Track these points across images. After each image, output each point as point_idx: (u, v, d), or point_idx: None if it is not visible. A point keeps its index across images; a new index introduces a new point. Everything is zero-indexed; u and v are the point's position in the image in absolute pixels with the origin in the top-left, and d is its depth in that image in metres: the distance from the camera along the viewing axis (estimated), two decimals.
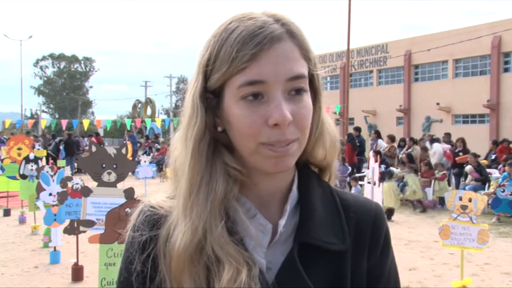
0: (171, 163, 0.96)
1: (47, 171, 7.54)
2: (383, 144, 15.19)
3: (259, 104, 0.85)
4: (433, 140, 14.98)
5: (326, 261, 0.78)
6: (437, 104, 31.45)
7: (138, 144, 23.07)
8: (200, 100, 0.89)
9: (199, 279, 0.84)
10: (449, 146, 14.49)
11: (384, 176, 12.36)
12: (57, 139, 21.96)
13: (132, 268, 0.90)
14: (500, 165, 12.38)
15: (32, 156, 9.41)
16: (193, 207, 0.86)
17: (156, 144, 22.38)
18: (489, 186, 11.62)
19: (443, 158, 13.65)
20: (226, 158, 0.90)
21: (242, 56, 0.84)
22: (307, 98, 0.88)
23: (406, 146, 14.73)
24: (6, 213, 10.73)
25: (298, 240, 0.91)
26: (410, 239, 8.46)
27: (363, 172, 13.55)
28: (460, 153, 13.61)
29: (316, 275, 0.87)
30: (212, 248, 0.84)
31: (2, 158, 11.91)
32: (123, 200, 4.33)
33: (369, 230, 0.97)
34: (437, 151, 13.78)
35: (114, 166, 5.22)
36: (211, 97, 0.90)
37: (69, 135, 21.57)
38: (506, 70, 29.21)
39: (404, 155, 13.55)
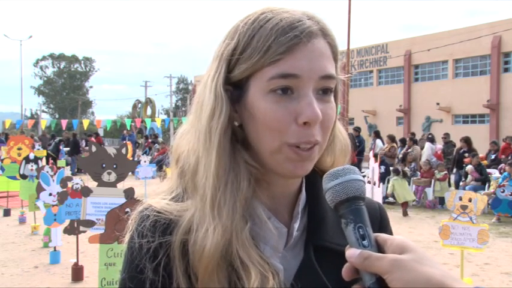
0: (179, 159, 0.91)
1: (47, 171, 7.54)
2: (381, 145, 15.21)
3: (288, 99, 0.82)
4: (427, 139, 14.73)
5: (339, 263, 0.77)
6: (437, 104, 31.47)
7: (136, 144, 23.10)
8: (224, 90, 0.84)
9: (225, 282, 0.80)
10: (440, 146, 14.47)
11: (384, 176, 12.40)
12: (57, 139, 22.00)
13: (143, 277, 0.83)
14: (502, 165, 12.32)
15: (32, 156, 9.41)
16: (222, 207, 0.81)
17: (156, 144, 22.39)
18: (489, 186, 11.62)
19: (433, 158, 13.56)
20: (244, 155, 0.86)
21: (278, 47, 0.80)
22: (332, 99, 0.86)
23: (406, 146, 14.74)
24: (6, 213, 10.73)
25: (313, 243, 0.89)
26: (410, 239, 8.44)
27: (363, 172, 13.56)
28: (466, 154, 13.50)
29: (331, 278, 0.85)
30: (237, 251, 0.80)
31: (2, 158, 11.91)
32: (123, 200, 4.33)
33: (376, 229, 0.97)
34: (425, 150, 13.70)
35: (114, 166, 5.22)
36: (230, 88, 0.86)
37: (74, 135, 22.08)
38: (506, 70, 29.23)
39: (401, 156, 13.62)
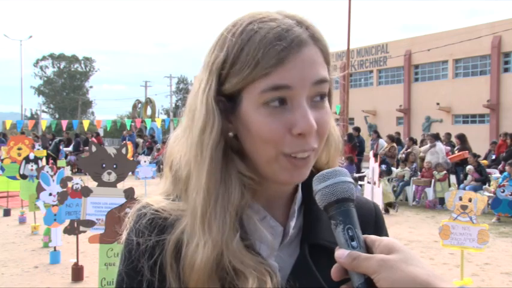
0: (173, 164, 0.92)
1: (47, 171, 7.54)
2: (384, 144, 15.17)
3: (282, 111, 0.81)
4: (436, 138, 13.95)
5: (334, 261, 0.78)
6: (437, 104, 31.49)
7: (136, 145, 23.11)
8: (215, 103, 0.84)
9: None
10: (449, 148, 14.26)
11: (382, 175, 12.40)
12: (57, 139, 22.00)
13: (139, 274, 0.85)
14: (502, 164, 12.24)
15: (32, 156, 9.41)
16: (212, 222, 0.81)
17: (157, 145, 22.38)
18: (489, 186, 11.61)
19: (447, 159, 13.33)
20: (240, 166, 0.86)
21: (268, 60, 0.80)
22: (327, 103, 0.87)
23: (406, 146, 14.72)
24: (6, 213, 10.73)
25: (309, 241, 0.90)
26: (410, 239, 8.45)
27: (363, 172, 13.55)
28: (456, 151, 13.42)
29: (327, 276, 0.85)
30: (230, 261, 0.81)
31: (2, 158, 11.91)
32: (123, 200, 4.33)
33: (371, 229, 0.97)
34: (439, 151, 13.33)
35: (114, 166, 5.22)
36: (223, 100, 0.85)
37: (77, 135, 23.34)
38: (506, 70, 29.24)
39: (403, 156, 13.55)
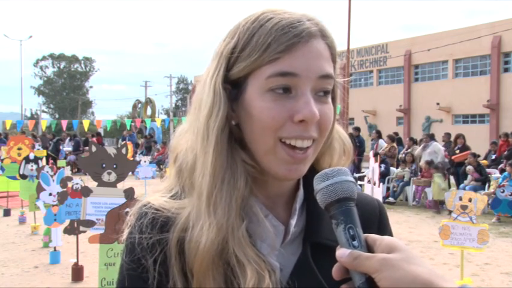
0: (177, 158, 0.92)
1: (47, 171, 7.54)
2: (384, 145, 15.16)
3: (286, 98, 0.82)
4: (431, 138, 13.93)
5: (335, 260, 0.77)
6: (437, 104, 31.50)
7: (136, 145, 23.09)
8: (223, 88, 0.85)
9: (220, 281, 0.81)
10: (443, 148, 14.22)
11: (385, 175, 12.37)
12: (55, 139, 22.00)
13: (144, 271, 0.84)
14: (503, 164, 12.20)
15: (32, 156, 9.41)
16: (218, 204, 0.82)
17: (157, 145, 22.37)
18: (489, 186, 11.60)
19: (445, 159, 13.34)
20: (242, 154, 0.86)
21: (277, 46, 0.81)
22: (330, 101, 0.88)
23: (406, 146, 14.69)
24: (6, 213, 10.72)
25: (310, 240, 0.90)
26: (410, 239, 8.45)
27: (363, 172, 13.55)
28: (457, 151, 13.41)
29: (328, 275, 0.84)
30: (233, 249, 0.81)
31: (2, 158, 11.90)
32: (123, 200, 4.33)
33: (375, 228, 0.97)
34: (438, 151, 13.31)
35: (114, 166, 5.21)
36: (228, 87, 0.86)
37: (75, 136, 23.33)
38: (506, 70, 29.25)
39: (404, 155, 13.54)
